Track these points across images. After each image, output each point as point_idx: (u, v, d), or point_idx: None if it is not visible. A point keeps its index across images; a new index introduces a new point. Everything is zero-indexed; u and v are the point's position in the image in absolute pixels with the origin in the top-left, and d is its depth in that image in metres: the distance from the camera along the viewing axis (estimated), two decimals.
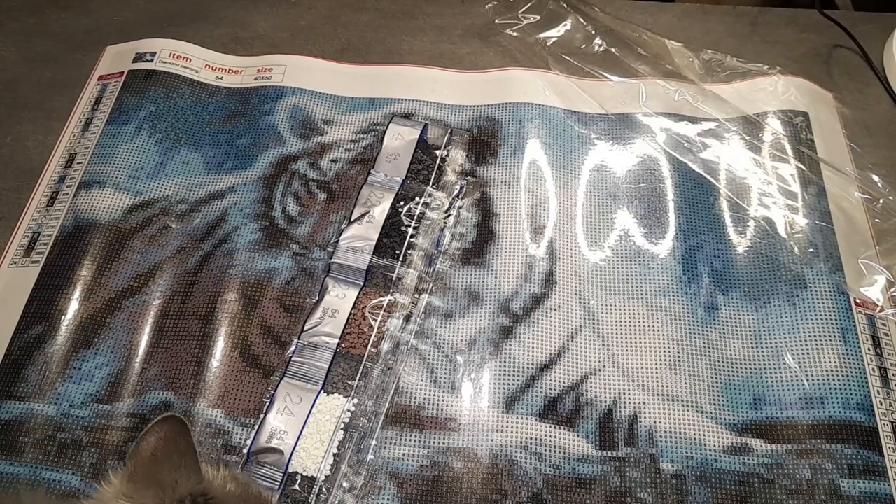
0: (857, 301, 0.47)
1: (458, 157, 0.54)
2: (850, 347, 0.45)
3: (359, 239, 0.49)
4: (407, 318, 0.47)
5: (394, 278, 0.48)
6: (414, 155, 0.53)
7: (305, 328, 0.46)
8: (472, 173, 0.54)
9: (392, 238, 0.50)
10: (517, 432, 0.44)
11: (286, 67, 0.59)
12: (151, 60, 0.60)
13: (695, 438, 0.43)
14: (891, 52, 0.60)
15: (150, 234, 0.51)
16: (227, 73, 0.60)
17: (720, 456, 0.43)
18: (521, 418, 0.44)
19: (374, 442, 0.43)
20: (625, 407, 0.45)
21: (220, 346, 0.47)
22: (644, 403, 0.45)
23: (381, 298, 0.48)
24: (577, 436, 0.44)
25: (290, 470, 0.42)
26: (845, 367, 0.45)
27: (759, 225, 0.51)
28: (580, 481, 0.42)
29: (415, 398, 0.45)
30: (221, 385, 0.45)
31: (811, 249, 0.49)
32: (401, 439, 0.44)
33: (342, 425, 0.44)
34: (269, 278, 0.49)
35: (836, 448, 0.42)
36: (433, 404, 0.45)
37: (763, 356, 0.46)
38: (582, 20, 0.61)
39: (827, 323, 0.46)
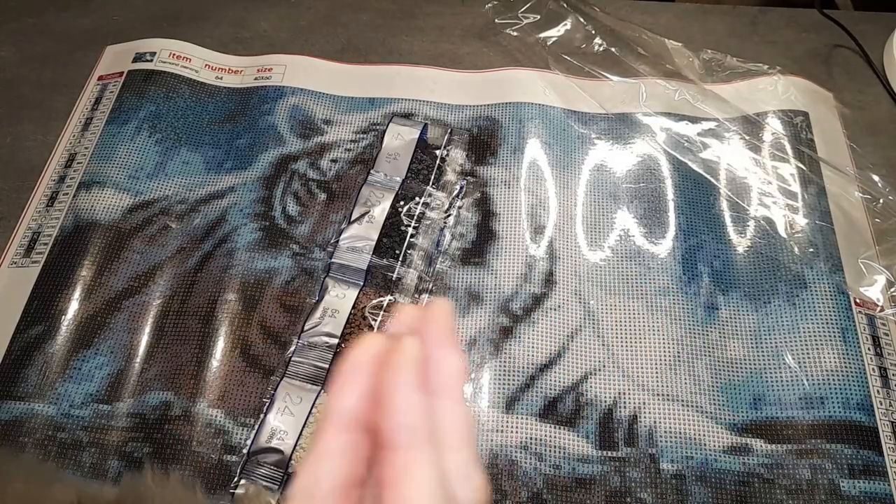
0: (857, 301, 0.47)
1: (458, 156, 0.54)
2: (850, 347, 0.45)
3: (359, 239, 0.49)
4: None
5: (394, 278, 0.48)
6: (414, 155, 0.53)
7: (305, 328, 0.46)
8: (472, 173, 0.54)
9: (392, 238, 0.50)
10: (517, 432, 0.44)
11: (286, 67, 0.59)
12: (151, 60, 0.60)
13: (695, 438, 0.43)
14: (891, 52, 0.60)
15: (150, 234, 0.51)
16: (227, 73, 0.60)
17: (720, 456, 0.43)
18: (521, 418, 0.44)
19: None
20: (625, 407, 0.45)
21: (220, 346, 0.47)
22: (644, 403, 0.45)
23: (381, 298, 0.48)
24: (577, 436, 0.44)
25: (290, 470, 0.42)
26: (845, 367, 0.45)
27: (759, 225, 0.51)
28: (580, 481, 0.42)
29: None
30: (221, 385, 0.45)
31: (811, 249, 0.49)
32: None
33: None
34: (269, 278, 0.49)
35: (836, 448, 0.42)
36: None
37: (763, 356, 0.46)
38: (582, 20, 0.61)
39: (827, 323, 0.46)
